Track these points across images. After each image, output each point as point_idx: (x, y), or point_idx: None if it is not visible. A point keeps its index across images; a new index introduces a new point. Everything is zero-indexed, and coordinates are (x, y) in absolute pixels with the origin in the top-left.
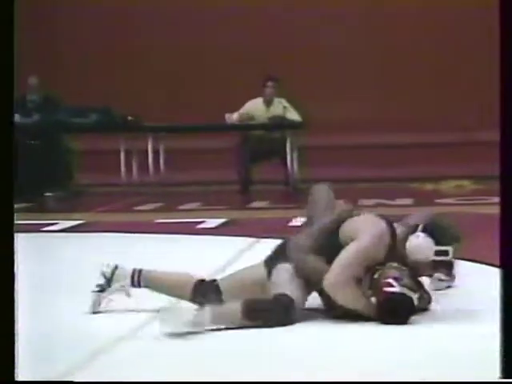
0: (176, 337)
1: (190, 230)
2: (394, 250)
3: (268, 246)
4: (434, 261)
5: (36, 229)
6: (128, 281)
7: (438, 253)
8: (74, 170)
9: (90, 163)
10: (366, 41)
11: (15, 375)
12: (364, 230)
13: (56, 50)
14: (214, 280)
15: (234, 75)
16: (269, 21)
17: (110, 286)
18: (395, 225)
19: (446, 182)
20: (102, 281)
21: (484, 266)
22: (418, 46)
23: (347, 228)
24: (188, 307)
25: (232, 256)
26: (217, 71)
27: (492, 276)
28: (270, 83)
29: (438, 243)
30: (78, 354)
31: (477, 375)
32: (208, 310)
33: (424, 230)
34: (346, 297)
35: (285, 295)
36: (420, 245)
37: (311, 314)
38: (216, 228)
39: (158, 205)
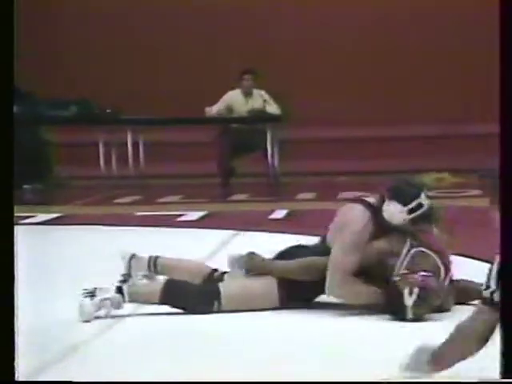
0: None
1: (171, 222)
2: (380, 222)
3: (248, 238)
4: (412, 219)
5: (14, 221)
6: (145, 268)
7: (411, 210)
8: (53, 162)
9: (69, 156)
10: (346, 35)
11: (15, 375)
12: (343, 224)
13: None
14: (225, 272)
15: (217, 68)
16: (251, 15)
17: (130, 275)
18: (372, 200)
19: (427, 174)
20: (124, 271)
21: (484, 264)
22: (399, 39)
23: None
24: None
25: (213, 248)
26: (199, 64)
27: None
28: (246, 76)
29: (406, 203)
30: (64, 349)
31: (477, 375)
32: (125, 287)
33: (390, 198)
34: (347, 294)
35: (214, 285)
36: (393, 212)
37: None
38: (196, 221)
39: (138, 198)
